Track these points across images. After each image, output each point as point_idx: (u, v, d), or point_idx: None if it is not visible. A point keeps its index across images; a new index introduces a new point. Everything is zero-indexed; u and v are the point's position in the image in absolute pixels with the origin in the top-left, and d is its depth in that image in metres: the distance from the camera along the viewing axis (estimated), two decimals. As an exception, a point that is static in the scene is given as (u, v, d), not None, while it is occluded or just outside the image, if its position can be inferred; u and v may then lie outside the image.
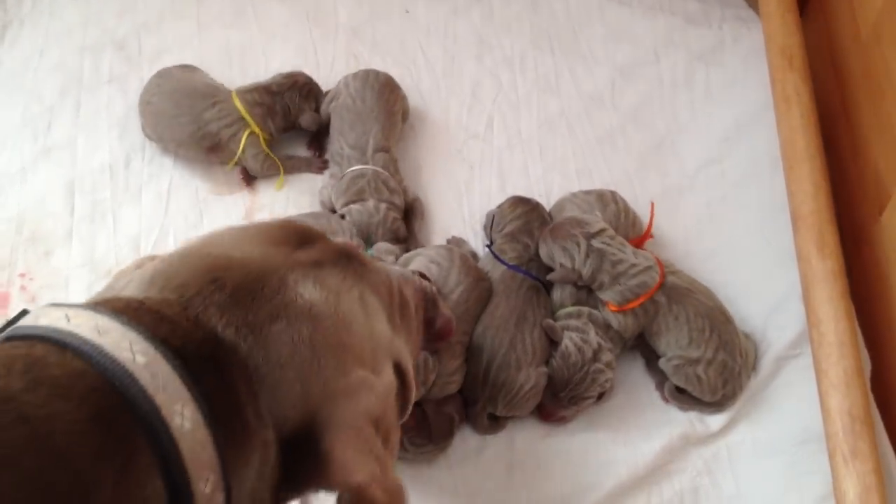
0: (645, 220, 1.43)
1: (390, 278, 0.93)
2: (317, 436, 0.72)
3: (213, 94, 1.48)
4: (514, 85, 1.65)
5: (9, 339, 0.65)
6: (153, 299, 0.71)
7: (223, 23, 1.72)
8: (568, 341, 1.25)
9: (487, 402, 1.22)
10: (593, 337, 1.25)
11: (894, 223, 1.28)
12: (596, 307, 1.31)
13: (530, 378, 1.23)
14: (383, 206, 1.37)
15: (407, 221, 1.44)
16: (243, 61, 1.67)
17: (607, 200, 1.39)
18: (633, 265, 1.26)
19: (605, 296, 1.27)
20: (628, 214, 1.39)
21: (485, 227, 1.42)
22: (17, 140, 1.53)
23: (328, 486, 0.73)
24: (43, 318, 0.66)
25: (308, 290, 0.77)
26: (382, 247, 1.33)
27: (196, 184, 1.48)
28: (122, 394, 0.61)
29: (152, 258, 0.81)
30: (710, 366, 1.24)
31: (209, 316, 0.70)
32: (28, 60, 1.64)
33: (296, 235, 0.85)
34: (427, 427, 1.19)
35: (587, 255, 1.26)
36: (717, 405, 1.27)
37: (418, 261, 1.30)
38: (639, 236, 1.38)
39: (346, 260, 0.85)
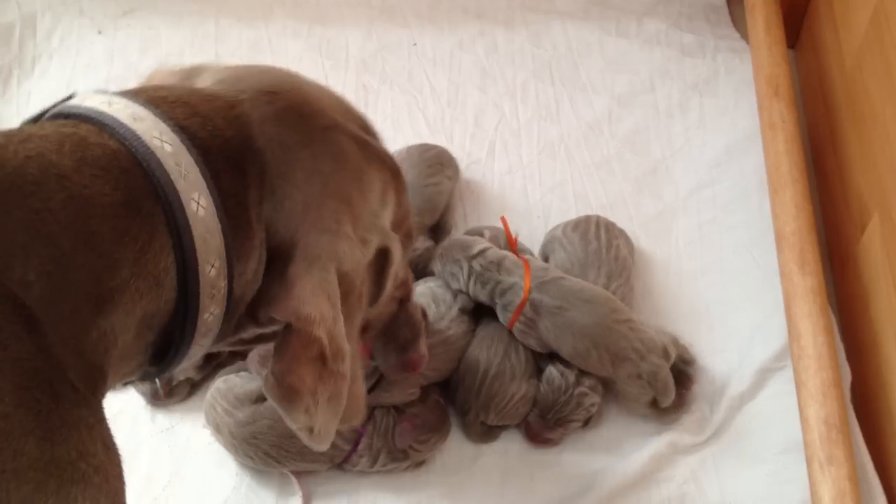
0: (638, 243, 1.50)
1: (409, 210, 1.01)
2: (288, 260, 0.78)
3: None
4: (515, 113, 1.73)
5: (58, 115, 0.73)
6: (197, 92, 0.79)
7: (240, 57, 1.81)
8: (551, 367, 1.31)
9: (480, 410, 1.29)
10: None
11: (874, 243, 1.34)
12: None
13: (521, 388, 1.29)
14: None
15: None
16: (258, 92, 1.76)
17: (590, 238, 1.42)
18: (500, 282, 1.30)
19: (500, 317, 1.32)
20: (610, 249, 1.41)
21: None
22: (44, 166, 1.63)
23: (280, 313, 0.78)
24: (87, 101, 0.73)
25: (349, 145, 0.84)
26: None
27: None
28: (148, 176, 0.69)
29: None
30: (630, 379, 1.28)
31: (251, 120, 0.77)
32: (56, 92, 1.74)
33: (361, 120, 0.92)
34: (423, 423, 1.26)
35: (469, 277, 1.31)
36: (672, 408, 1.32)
37: (423, 292, 1.37)
38: (624, 269, 1.42)
39: (390, 159, 0.92)
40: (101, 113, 0.71)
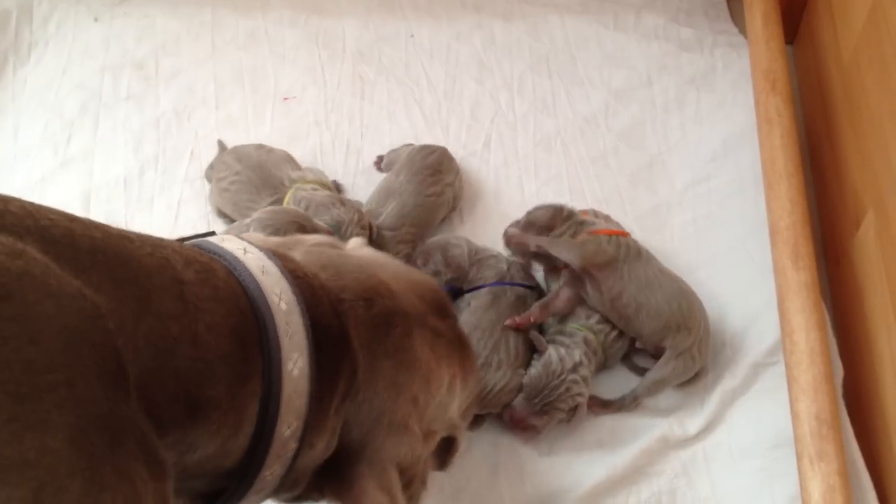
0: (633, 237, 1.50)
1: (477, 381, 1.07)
2: (354, 459, 0.83)
3: (276, 187, 1.46)
4: (511, 106, 1.72)
5: (198, 246, 0.78)
6: (318, 277, 0.84)
7: (236, 45, 1.81)
8: (552, 350, 1.31)
9: None
10: (578, 353, 1.31)
11: (869, 238, 1.33)
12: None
13: (505, 377, 1.29)
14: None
15: None
16: (255, 81, 1.75)
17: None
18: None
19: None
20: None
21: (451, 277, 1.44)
22: (38, 152, 1.63)
23: (341, 501, 0.84)
24: (226, 243, 0.79)
25: (423, 350, 0.89)
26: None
27: (205, 196, 1.57)
28: (259, 324, 0.73)
29: (330, 244, 0.95)
30: (698, 343, 1.31)
31: (349, 322, 0.82)
32: (51, 79, 1.74)
33: (437, 303, 0.97)
34: None
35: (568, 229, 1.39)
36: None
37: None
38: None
39: (460, 344, 0.98)
40: (235, 258, 0.76)
